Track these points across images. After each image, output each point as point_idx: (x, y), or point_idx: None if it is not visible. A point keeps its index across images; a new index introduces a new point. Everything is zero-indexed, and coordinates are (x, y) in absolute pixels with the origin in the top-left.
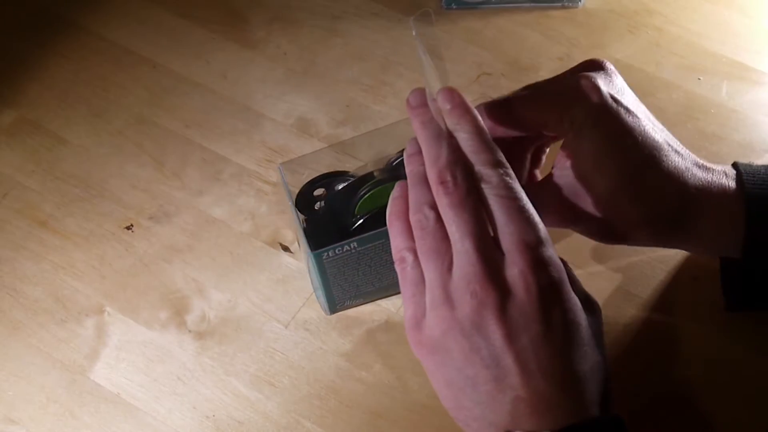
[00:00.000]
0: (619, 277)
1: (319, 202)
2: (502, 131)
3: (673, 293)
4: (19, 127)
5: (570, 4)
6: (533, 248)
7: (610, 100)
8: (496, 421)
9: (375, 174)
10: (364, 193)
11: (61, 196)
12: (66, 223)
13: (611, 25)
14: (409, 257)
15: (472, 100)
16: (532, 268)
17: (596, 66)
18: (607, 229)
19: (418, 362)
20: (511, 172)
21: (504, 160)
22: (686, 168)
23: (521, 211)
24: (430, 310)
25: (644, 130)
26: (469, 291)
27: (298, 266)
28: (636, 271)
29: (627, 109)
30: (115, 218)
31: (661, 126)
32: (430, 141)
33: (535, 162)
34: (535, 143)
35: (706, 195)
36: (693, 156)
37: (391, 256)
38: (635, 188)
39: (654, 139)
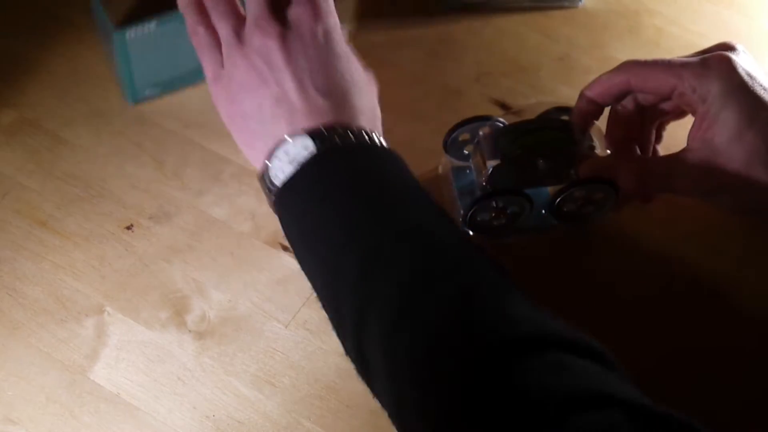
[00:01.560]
0: (620, 275)
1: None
2: (635, 88)
3: (672, 293)
4: (19, 127)
5: (570, 4)
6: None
7: (746, 76)
8: (277, 133)
9: (526, 122)
10: (514, 139)
11: (61, 196)
12: (66, 223)
13: (611, 25)
14: (201, 28)
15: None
16: (309, 10)
17: (728, 47)
18: (742, 201)
19: None
20: None
21: None
22: None
23: None
24: (226, 58)
25: None
26: (256, 27)
27: (298, 266)
28: (636, 271)
29: (762, 86)
30: (115, 218)
31: None
32: None
33: (658, 138)
34: (657, 119)
35: None
36: None
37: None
38: (765, 153)
39: None
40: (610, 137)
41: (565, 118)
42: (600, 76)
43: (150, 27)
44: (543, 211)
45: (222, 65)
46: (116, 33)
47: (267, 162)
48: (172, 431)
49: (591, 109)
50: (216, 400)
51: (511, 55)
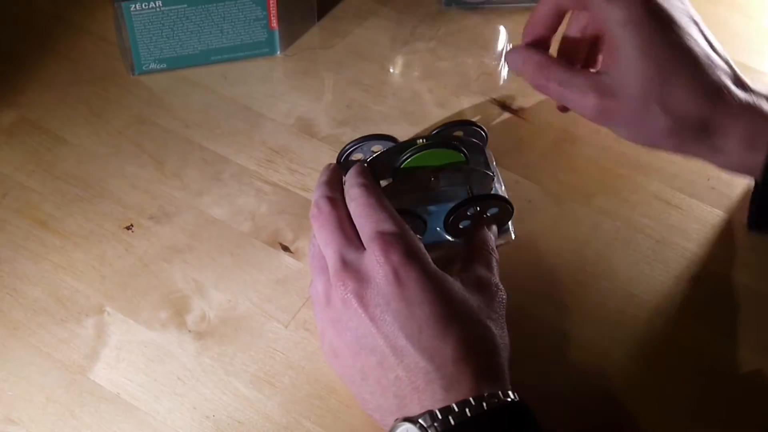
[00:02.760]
0: (620, 277)
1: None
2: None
3: (673, 293)
4: (18, 127)
5: None
6: (384, 234)
7: (651, 4)
8: (388, 408)
9: (418, 141)
10: (407, 158)
11: (61, 196)
12: (66, 223)
13: None
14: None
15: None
16: (383, 251)
17: None
18: (638, 133)
19: None
20: (369, 184)
21: (366, 180)
22: (722, 84)
23: (372, 207)
24: (320, 321)
25: (682, 40)
26: (335, 288)
27: (298, 266)
28: (636, 271)
29: (669, 17)
30: (115, 218)
31: (709, 40)
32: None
33: (593, 63)
34: (586, 44)
35: (737, 112)
36: (736, 73)
37: (196, 25)
38: (664, 96)
39: (691, 51)
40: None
41: (458, 133)
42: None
43: (156, 4)
44: (438, 229)
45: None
46: (123, 4)
47: None
48: (172, 431)
49: (538, 39)
50: (216, 400)
51: None
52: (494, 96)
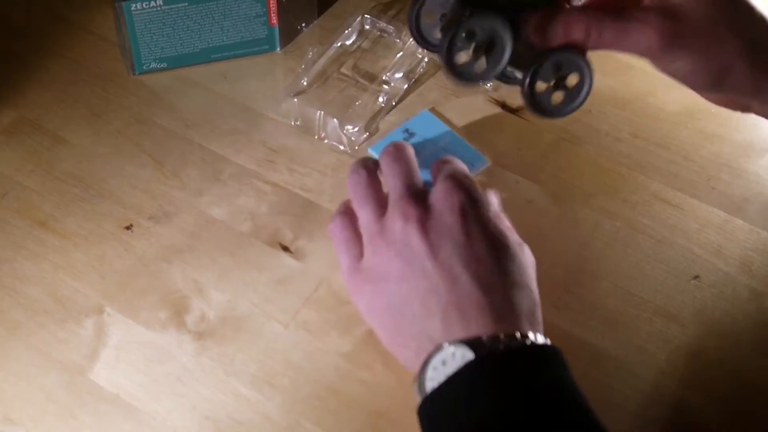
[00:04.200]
0: (620, 277)
1: None
2: None
3: (673, 293)
4: (18, 126)
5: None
6: (456, 176)
7: None
8: (431, 333)
9: None
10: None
11: (61, 196)
12: (65, 223)
13: None
14: (337, 219)
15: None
16: (452, 188)
17: None
18: (702, 67)
19: None
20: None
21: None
22: None
23: (446, 159)
24: (367, 245)
25: None
26: (396, 210)
27: (298, 266)
28: (636, 271)
29: None
30: (114, 218)
31: None
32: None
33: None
34: None
35: None
36: None
37: (196, 23)
38: (734, 17)
39: None
40: None
41: None
42: None
43: (157, 3)
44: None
45: (359, 257)
46: (124, 3)
47: (424, 368)
48: (172, 431)
49: None
50: (215, 401)
51: None
52: (494, 96)
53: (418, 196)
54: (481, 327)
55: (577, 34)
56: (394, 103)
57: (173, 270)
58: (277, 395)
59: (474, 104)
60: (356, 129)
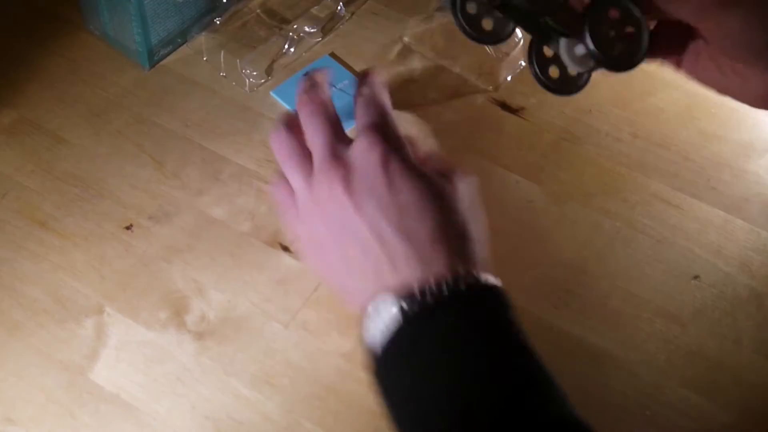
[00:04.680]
0: (620, 277)
1: None
2: None
3: (673, 293)
4: (18, 126)
5: None
6: (373, 127)
7: None
8: (367, 288)
9: None
10: None
11: (61, 196)
12: (65, 223)
13: None
14: (271, 187)
15: None
16: (371, 143)
17: None
18: (756, 25)
19: None
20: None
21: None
22: None
23: (369, 101)
24: (301, 210)
25: None
26: (319, 173)
27: (298, 266)
28: (636, 271)
29: None
30: (114, 218)
31: None
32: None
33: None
34: None
35: None
36: None
37: None
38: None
39: None
40: None
41: None
42: None
43: None
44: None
45: (297, 214)
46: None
47: (363, 322)
48: (172, 431)
49: None
50: (215, 401)
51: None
52: (494, 96)
53: (340, 154)
54: (409, 278)
55: None
56: (303, 53)
57: (173, 270)
58: (277, 395)
59: (474, 104)
60: (255, 72)
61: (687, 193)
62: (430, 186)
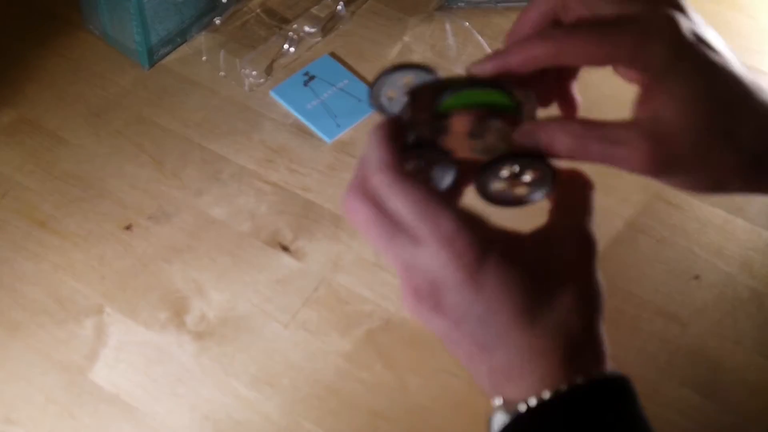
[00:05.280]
0: (620, 277)
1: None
2: (563, 60)
3: (673, 293)
4: (18, 126)
5: None
6: (445, 233)
7: (692, 36)
8: (488, 390)
9: (463, 77)
10: (448, 97)
11: (61, 196)
12: (65, 223)
13: None
14: (361, 206)
15: None
16: (450, 255)
17: (669, 1)
18: (700, 178)
19: (418, 362)
20: (395, 163)
21: (391, 156)
22: None
23: (415, 201)
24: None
25: (732, 68)
26: (410, 301)
27: (298, 266)
28: (636, 271)
29: (710, 46)
30: (114, 218)
31: (744, 66)
32: None
33: (566, 99)
34: (555, 76)
35: None
36: None
37: None
38: (728, 128)
39: (743, 77)
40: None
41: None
42: (519, 44)
43: None
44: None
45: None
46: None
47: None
48: (172, 431)
49: (501, 73)
50: (215, 401)
51: None
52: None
53: (420, 270)
54: (525, 389)
55: (559, 146)
56: (303, 53)
57: (173, 270)
58: (277, 395)
59: None
60: (255, 72)
61: (687, 193)
62: (533, 278)
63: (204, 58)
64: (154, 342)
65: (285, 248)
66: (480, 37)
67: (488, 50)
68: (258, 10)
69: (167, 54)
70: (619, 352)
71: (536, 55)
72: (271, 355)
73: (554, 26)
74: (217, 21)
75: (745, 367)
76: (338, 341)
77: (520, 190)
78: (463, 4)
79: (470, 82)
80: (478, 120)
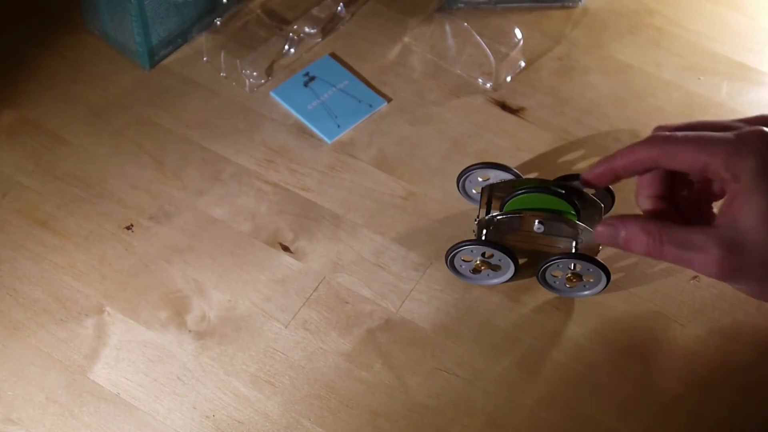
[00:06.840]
0: (620, 276)
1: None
2: (663, 165)
3: (673, 293)
4: (18, 126)
5: (570, 4)
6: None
7: None
8: None
9: (534, 181)
10: (520, 193)
11: (61, 196)
12: (66, 223)
13: (611, 24)
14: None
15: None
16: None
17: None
18: (763, 292)
19: (418, 362)
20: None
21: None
22: None
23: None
24: None
25: None
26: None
27: (298, 266)
28: (636, 272)
29: None
30: (115, 218)
31: None
32: None
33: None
34: (688, 185)
35: None
36: None
37: None
38: None
39: None
40: (640, 194)
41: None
42: (625, 149)
43: None
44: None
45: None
46: None
47: None
48: (172, 431)
49: (609, 178)
50: (216, 400)
51: None
52: (494, 96)
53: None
54: None
55: (637, 245)
56: (304, 53)
57: (173, 270)
58: (277, 395)
59: (474, 104)
60: (255, 73)
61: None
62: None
63: (205, 58)
64: (154, 341)
65: (285, 248)
66: (479, 38)
67: (488, 51)
68: (258, 11)
69: (168, 55)
70: (617, 351)
71: (640, 159)
72: (271, 355)
73: (657, 131)
74: (218, 22)
75: (744, 367)
76: (338, 341)
77: (572, 283)
78: (462, 5)
79: (540, 186)
80: (545, 220)
